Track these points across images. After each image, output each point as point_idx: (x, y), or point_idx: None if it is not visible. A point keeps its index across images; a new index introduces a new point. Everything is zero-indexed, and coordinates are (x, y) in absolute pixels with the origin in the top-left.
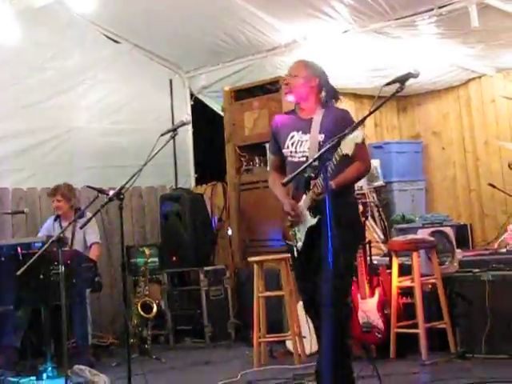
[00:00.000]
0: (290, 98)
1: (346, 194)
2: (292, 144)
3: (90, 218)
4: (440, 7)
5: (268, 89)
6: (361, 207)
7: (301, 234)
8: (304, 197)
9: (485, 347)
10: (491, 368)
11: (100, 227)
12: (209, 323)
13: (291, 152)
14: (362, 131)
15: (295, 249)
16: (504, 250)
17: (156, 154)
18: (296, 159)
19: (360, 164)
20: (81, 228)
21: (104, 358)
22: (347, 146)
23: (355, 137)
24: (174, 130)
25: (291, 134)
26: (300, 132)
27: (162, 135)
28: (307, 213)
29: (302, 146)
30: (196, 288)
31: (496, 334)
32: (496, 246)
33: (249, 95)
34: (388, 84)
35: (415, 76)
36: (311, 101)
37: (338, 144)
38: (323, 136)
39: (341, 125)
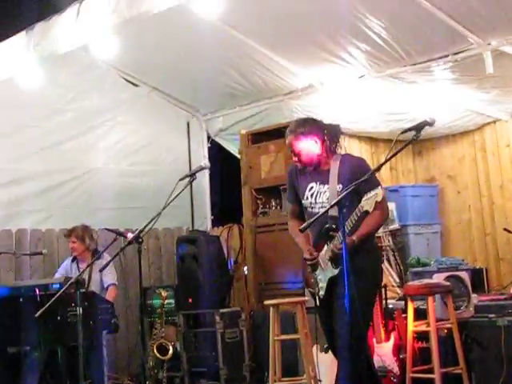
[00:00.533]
0: (308, 168)
1: (367, 243)
2: (312, 195)
3: (110, 261)
4: (455, 53)
5: (284, 132)
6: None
7: (323, 284)
8: (326, 247)
9: None
10: None
11: (117, 269)
12: (224, 366)
13: (311, 203)
14: (381, 189)
15: (317, 297)
16: None
17: (175, 198)
18: (316, 210)
19: (379, 213)
20: (100, 271)
21: None
22: (368, 204)
23: (376, 195)
24: (193, 174)
25: (310, 185)
26: (319, 183)
27: (180, 180)
28: (329, 263)
29: (321, 197)
30: (211, 330)
31: None
32: None
33: (265, 138)
34: (404, 132)
35: (431, 124)
36: (323, 156)
37: (359, 201)
38: (341, 186)
39: (357, 173)
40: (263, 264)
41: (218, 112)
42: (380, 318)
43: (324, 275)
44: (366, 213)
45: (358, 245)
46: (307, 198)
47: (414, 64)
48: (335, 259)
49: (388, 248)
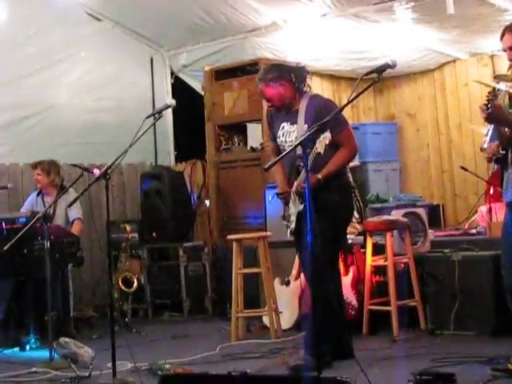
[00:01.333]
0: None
1: (336, 180)
2: (283, 135)
3: (77, 198)
4: None
5: (248, 70)
6: None
7: (293, 217)
8: (295, 183)
9: (453, 324)
10: (458, 344)
11: (82, 203)
12: (187, 298)
13: (282, 142)
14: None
15: (289, 230)
16: (474, 231)
17: (141, 136)
18: (286, 148)
19: (346, 150)
20: (68, 207)
21: (84, 331)
22: (320, 146)
23: (325, 138)
24: (159, 112)
25: (282, 125)
26: (289, 123)
27: (147, 117)
28: (297, 199)
29: (290, 136)
30: (175, 263)
31: (464, 312)
32: (467, 226)
33: (229, 75)
34: (366, 74)
35: (393, 67)
36: (293, 98)
37: (314, 142)
38: (307, 126)
39: (323, 113)
40: (226, 199)
41: (182, 48)
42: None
43: (294, 209)
44: (319, 154)
45: (327, 182)
46: (279, 137)
47: (377, 3)
48: (301, 195)
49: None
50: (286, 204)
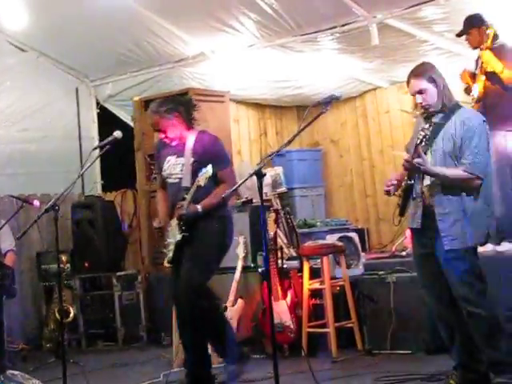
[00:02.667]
0: (168, 141)
1: (215, 211)
2: (168, 167)
3: (26, 230)
4: (342, 25)
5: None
6: (273, 215)
7: (172, 246)
8: (176, 212)
9: (390, 344)
10: (396, 362)
11: (14, 234)
12: (121, 327)
13: (168, 174)
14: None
15: (167, 258)
16: (404, 253)
17: (89, 167)
18: (172, 180)
19: (226, 186)
20: (18, 239)
21: (18, 364)
22: (201, 179)
23: (207, 172)
24: (106, 145)
25: (168, 158)
26: (175, 156)
27: (94, 149)
28: (177, 229)
29: (175, 169)
30: (108, 293)
31: (400, 331)
32: (394, 249)
33: None
34: (314, 106)
35: (338, 98)
36: (179, 131)
37: (193, 167)
38: (193, 160)
39: (209, 149)
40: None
41: (108, 78)
42: (276, 277)
43: (173, 239)
44: (200, 187)
45: (206, 212)
46: (164, 170)
47: (303, 34)
48: (181, 226)
49: (280, 210)
50: (166, 235)
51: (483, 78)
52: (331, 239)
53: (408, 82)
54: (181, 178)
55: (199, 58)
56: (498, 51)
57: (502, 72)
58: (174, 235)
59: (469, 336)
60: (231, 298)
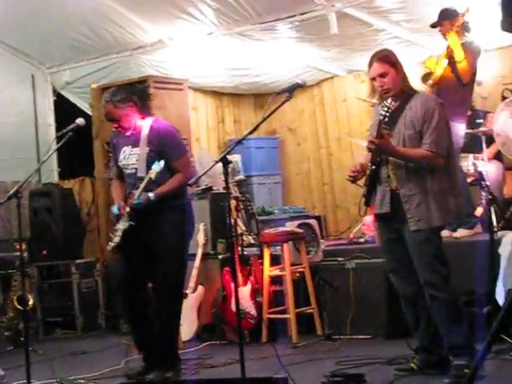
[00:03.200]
0: (122, 130)
1: (170, 200)
2: (124, 158)
3: None
4: (302, 14)
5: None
6: (233, 202)
7: (119, 233)
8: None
9: (349, 329)
10: (356, 347)
11: None
12: (80, 314)
13: (124, 165)
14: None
15: (112, 244)
16: (362, 240)
17: (51, 154)
18: (129, 171)
19: (181, 176)
20: None
21: None
22: (152, 173)
23: (159, 166)
24: (69, 132)
25: (123, 149)
26: (130, 146)
27: (58, 136)
28: (126, 216)
29: (131, 159)
30: (67, 281)
31: (359, 317)
32: (352, 236)
33: None
34: (278, 93)
35: (302, 86)
36: (132, 119)
37: (149, 156)
38: (148, 149)
39: (164, 139)
40: None
41: (65, 65)
42: (237, 264)
43: (120, 226)
44: (150, 179)
45: (160, 201)
46: (121, 160)
47: (262, 23)
48: (130, 213)
49: (241, 198)
50: (117, 221)
51: (445, 62)
52: (291, 226)
53: (370, 65)
54: (136, 169)
55: (157, 45)
56: (465, 46)
57: (461, 62)
58: (121, 223)
59: (432, 320)
60: (191, 284)
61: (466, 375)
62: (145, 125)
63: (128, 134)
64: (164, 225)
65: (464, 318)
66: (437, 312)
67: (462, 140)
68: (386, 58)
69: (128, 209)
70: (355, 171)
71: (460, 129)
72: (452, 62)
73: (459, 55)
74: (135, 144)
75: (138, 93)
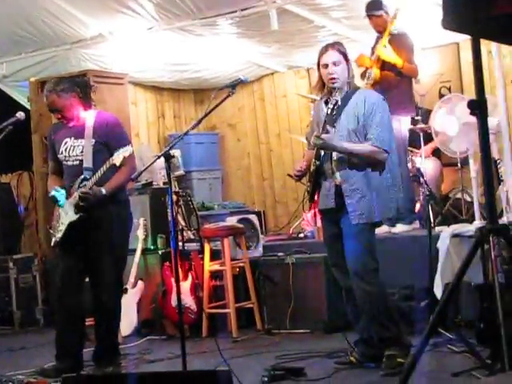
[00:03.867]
0: (63, 120)
1: (116, 195)
2: (66, 150)
3: None
4: (242, 9)
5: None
6: (174, 197)
7: (62, 227)
8: (75, 194)
9: (289, 323)
10: (296, 341)
11: None
12: (18, 310)
13: (65, 157)
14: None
15: (54, 238)
16: (302, 235)
17: None
18: (70, 163)
19: (127, 169)
20: None
21: None
22: (117, 158)
23: (125, 151)
24: (9, 125)
25: (65, 140)
26: (73, 138)
27: None
28: (72, 209)
29: (74, 151)
30: (4, 276)
31: (299, 311)
32: (291, 231)
33: None
34: (221, 89)
35: (244, 81)
36: (75, 110)
37: (111, 155)
38: (94, 140)
39: (109, 130)
40: (54, 210)
41: (2, 58)
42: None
43: (66, 219)
44: (115, 166)
45: (108, 195)
46: (62, 152)
47: (203, 18)
48: (78, 206)
49: (181, 193)
50: (59, 216)
51: (378, 65)
52: (231, 221)
53: (324, 52)
54: (81, 160)
55: (97, 39)
56: (398, 40)
57: (403, 67)
58: (68, 216)
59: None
60: (131, 279)
61: (399, 365)
62: (89, 116)
63: (70, 125)
64: (109, 219)
65: (393, 311)
66: (365, 304)
67: (408, 134)
68: (341, 49)
69: (77, 199)
70: (300, 170)
71: (407, 122)
72: (386, 64)
73: (399, 63)
74: (78, 135)
75: (80, 84)
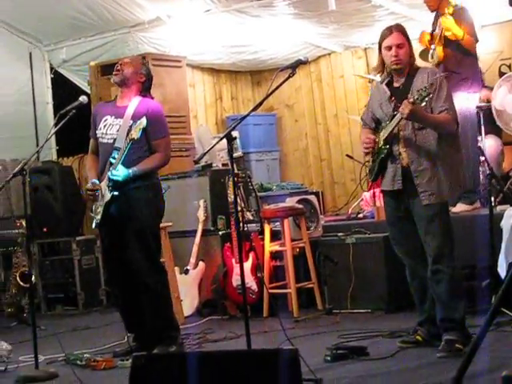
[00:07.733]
0: (116, 79)
1: (146, 179)
2: (104, 126)
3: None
4: None
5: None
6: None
7: (100, 209)
8: (107, 176)
9: (350, 303)
10: (356, 321)
11: None
12: (81, 291)
13: (102, 133)
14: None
15: (95, 221)
16: (361, 215)
17: (55, 132)
18: (105, 140)
19: (160, 156)
20: None
21: None
22: (134, 132)
23: (140, 123)
24: (73, 109)
25: (105, 118)
26: (113, 116)
27: (61, 113)
28: (107, 189)
29: (111, 129)
30: (68, 257)
31: (359, 291)
32: (350, 211)
33: None
34: (281, 70)
35: (304, 62)
36: (132, 90)
37: (147, 141)
38: (131, 123)
39: (149, 117)
40: None
41: (62, 43)
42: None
43: (102, 201)
44: (133, 140)
45: (136, 179)
46: (100, 128)
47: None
48: (111, 186)
49: (241, 174)
50: (95, 200)
51: (441, 43)
52: (291, 202)
53: (389, 34)
54: (115, 139)
55: (155, 22)
56: (458, 15)
57: (463, 38)
58: (104, 197)
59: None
60: (192, 260)
61: (457, 351)
62: (135, 100)
63: (118, 104)
64: (139, 203)
65: (464, 295)
66: (438, 285)
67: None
68: (405, 31)
69: (107, 181)
70: (370, 144)
71: (475, 99)
72: (448, 43)
73: (459, 33)
74: (118, 115)
75: (150, 77)
